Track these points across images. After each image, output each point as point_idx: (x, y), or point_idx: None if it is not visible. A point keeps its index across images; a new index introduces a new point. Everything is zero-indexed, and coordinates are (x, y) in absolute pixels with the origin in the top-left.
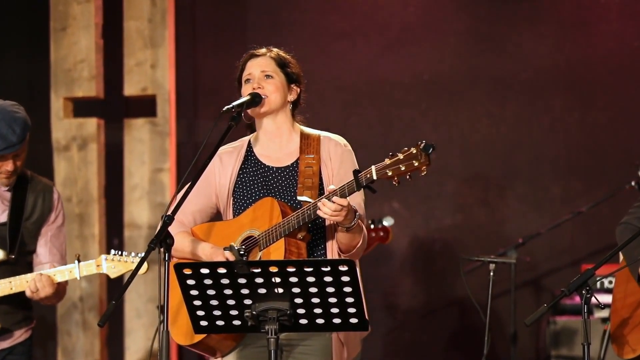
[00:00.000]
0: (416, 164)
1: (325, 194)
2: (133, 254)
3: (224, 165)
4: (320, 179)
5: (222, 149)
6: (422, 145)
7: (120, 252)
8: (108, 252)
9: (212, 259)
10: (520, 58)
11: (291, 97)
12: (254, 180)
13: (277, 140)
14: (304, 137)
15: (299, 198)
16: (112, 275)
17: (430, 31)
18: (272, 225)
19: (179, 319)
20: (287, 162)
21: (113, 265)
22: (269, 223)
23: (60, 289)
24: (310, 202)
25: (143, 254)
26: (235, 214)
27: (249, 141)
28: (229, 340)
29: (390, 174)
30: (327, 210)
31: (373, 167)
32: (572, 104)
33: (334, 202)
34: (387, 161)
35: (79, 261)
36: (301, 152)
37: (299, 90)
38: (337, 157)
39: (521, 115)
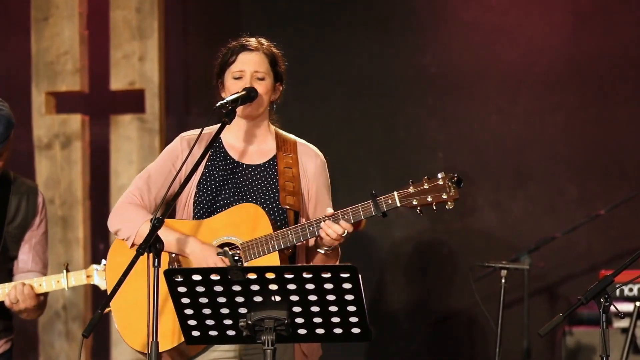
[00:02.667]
0: (444, 196)
1: (333, 214)
2: None
3: (191, 154)
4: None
5: (187, 134)
6: (455, 179)
7: None
8: (93, 257)
9: (205, 259)
10: (533, 50)
11: (274, 97)
12: (222, 177)
13: (252, 139)
14: (279, 138)
15: (282, 205)
16: (103, 287)
17: (437, 21)
18: (257, 236)
19: (162, 321)
20: (261, 160)
21: (105, 276)
22: (252, 233)
23: (42, 301)
24: (294, 211)
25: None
26: (197, 209)
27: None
28: None
29: (415, 203)
30: (333, 233)
31: (396, 194)
32: (589, 99)
33: (341, 227)
34: (412, 189)
35: (67, 270)
36: (278, 150)
37: (281, 89)
38: (312, 169)
39: (534, 111)
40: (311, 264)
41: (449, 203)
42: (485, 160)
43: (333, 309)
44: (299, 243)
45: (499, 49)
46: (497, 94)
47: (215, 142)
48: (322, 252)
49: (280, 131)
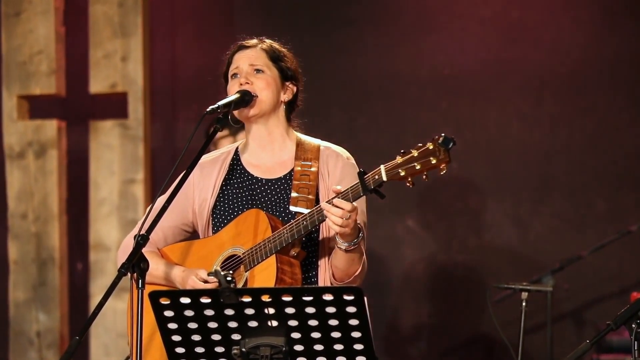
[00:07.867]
0: (434, 161)
1: (328, 199)
2: None
3: (204, 176)
4: (317, 193)
5: (204, 157)
6: (441, 139)
7: None
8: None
9: (185, 284)
10: (558, 49)
11: (285, 97)
12: (238, 194)
13: (268, 148)
14: (300, 145)
15: (292, 208)
16: None
17: (452, 18)
18: (259, 240)
19: (151, 350)
20: (279, 174)
21: None
22: (255, 239)
23: None
24: (304, 213)
25: None
26: (215, 230)
27: (237, 149)
28: None
29: (403, 174)
30: (337, 211)
31: (382, 167)
32: (620, 103)
33: (336, 206)
34: (399, 159)
35: None
36: (297, 159)
37: (295, 89)
38: (336, 171)
39: (560, 117)
40: (331, 267)
41: (442, 167)
42: (505, 171)
43: (336, 335)
44: (296, 239)
45: (521, 47)
46: (518, 98)
47: (203, 153)
48: (343, 248)
49: (303, 137)
